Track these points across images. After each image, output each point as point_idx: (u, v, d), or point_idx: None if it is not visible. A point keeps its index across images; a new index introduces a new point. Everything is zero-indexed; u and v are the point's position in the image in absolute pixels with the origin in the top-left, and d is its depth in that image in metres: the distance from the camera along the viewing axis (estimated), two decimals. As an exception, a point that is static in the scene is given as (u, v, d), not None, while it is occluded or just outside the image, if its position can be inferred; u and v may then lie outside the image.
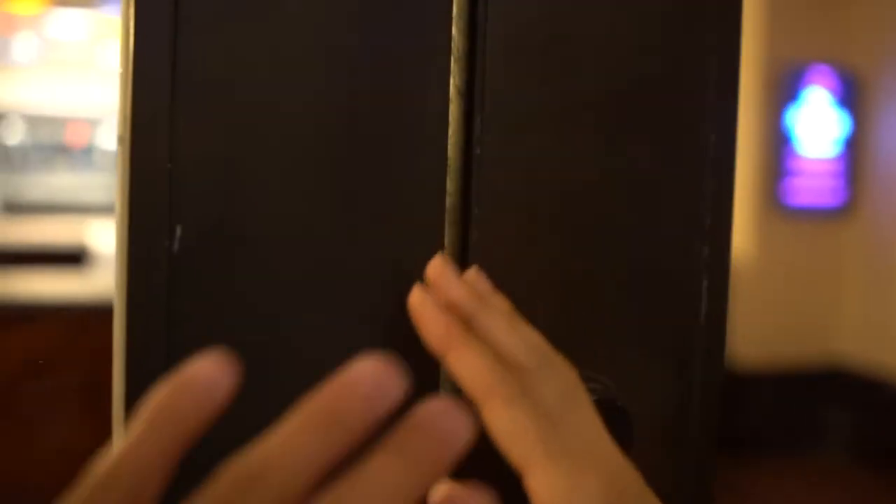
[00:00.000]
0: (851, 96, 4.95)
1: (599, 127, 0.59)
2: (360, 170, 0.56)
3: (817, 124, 4.90)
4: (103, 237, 3.99)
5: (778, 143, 4.88)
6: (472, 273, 0.56)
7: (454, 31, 0.57)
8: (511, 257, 0.58)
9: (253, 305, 0.55)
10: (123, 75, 0.54)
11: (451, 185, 0.57)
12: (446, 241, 0.57)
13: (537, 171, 0.58)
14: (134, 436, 0.36)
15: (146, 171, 0.53)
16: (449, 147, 0.57)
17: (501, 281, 0.57)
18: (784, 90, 4.86)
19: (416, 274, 0.55)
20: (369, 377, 0.36)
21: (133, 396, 0.54)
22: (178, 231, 0.54)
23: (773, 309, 4.99)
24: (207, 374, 0.37)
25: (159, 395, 0.37)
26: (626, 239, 0.60)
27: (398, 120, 0.56)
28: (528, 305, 0.57)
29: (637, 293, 0.60)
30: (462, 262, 0.57)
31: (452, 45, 0.57)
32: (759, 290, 4.97)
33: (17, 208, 5.54)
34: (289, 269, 0.55)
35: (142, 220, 0.53)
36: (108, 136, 5.78)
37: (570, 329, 0.59)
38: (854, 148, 4.98)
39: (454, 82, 0.57)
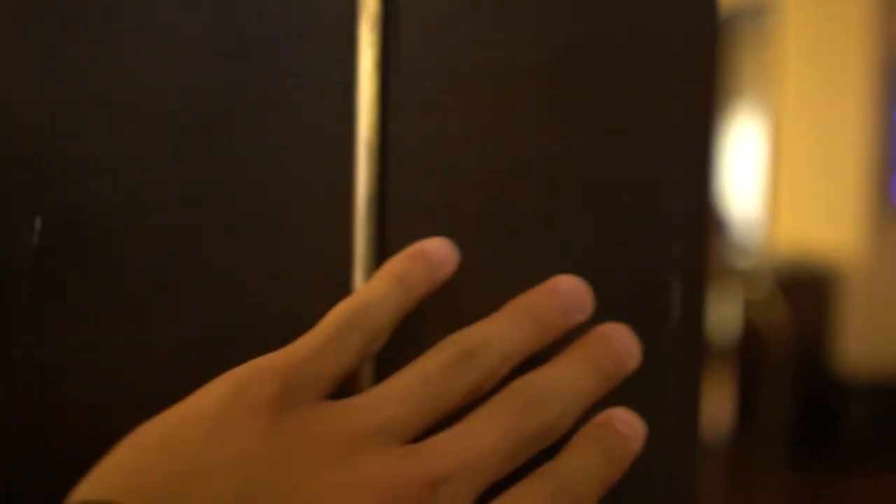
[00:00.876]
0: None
1: (543, 100, 0.50)
2: (245, 158, 0.48)
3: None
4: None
5: (890, 138, 4.66)
6: None
7: (368, -7, 0.49)
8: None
9: (119, 302, 0.48)
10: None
11: (364, 173, 0.49)
12: (358, 238, 0.49)
13: (462, 154, 0.50)
14: (372, 291, 0.43)
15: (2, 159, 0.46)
16: (362, 129, 0.49)
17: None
18: (898, 82, 4.64)
19: (318, 279, 0.47)
20: (570, 291, 0.45)
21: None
22: (38, 223, 0.47)
23: (884, 314, 4.78)
24: (438, 250, 0.45)
25: (397, 261, 0.45)
26: (576, 234, 0.51)
27: (294, 101, 0.48)
28: (454, 314, 0.48)
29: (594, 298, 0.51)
30: (378, 261, 0.49)
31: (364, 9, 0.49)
32: (870, 294, 4.77)
33: None
34: (159, 269, 0.48)
35: None
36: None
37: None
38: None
39: (370, 54, 0.49)
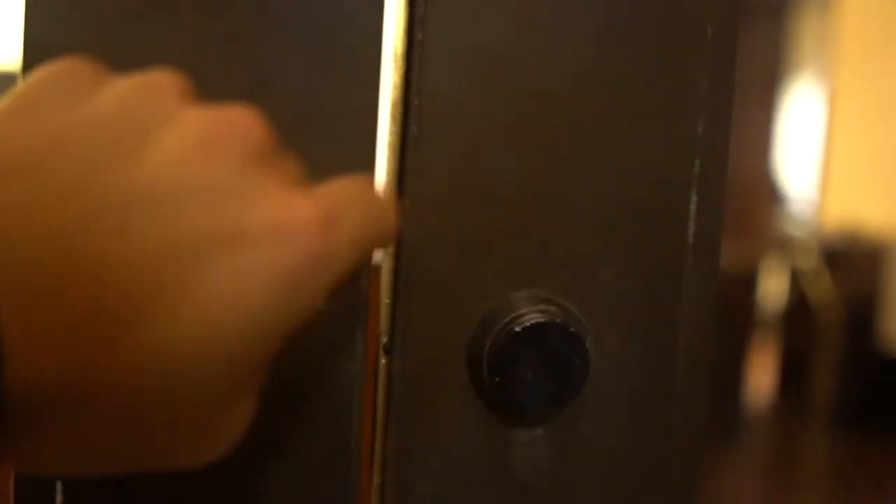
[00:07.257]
0: None
1: (578, 17, 0.51)
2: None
3: None
4: None
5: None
6: None
7: None
8: (458, 162, 0.51)
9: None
10: None
11: (394, 76, 0.51)
12: (381, 137, 0.50)
13: (493, 65, 0.51)
14: None
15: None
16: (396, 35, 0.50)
17: (445, 189, 0.51)
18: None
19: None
20: None
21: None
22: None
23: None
24: None
25: None
26: (602, 147, 0.52)
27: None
28: (477, 218, 0.50)
29: (612, 210, 0.53)
30: (401, 162, 0.51)
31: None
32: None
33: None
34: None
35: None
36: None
37: (530, 248, 0.51)
38: None
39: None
